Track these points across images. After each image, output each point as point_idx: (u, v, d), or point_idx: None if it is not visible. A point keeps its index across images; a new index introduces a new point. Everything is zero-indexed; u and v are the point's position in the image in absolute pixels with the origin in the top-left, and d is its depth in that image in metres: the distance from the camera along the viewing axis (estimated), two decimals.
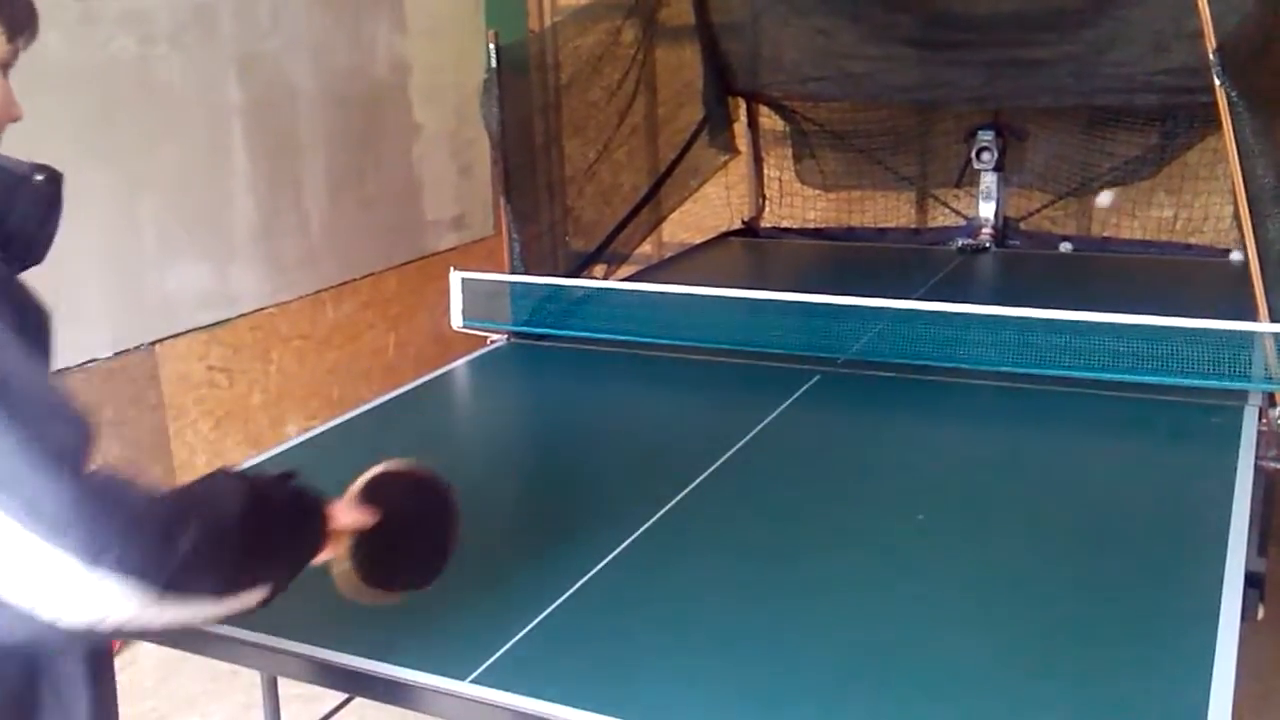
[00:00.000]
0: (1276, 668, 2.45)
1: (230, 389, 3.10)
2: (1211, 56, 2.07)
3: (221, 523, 0.91)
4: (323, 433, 2.18)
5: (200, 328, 2.99)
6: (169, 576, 0.84)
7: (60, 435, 0.83)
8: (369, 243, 3.57)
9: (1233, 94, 2.05)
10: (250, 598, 0.95)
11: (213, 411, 3.05)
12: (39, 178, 0.97)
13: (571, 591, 1.48)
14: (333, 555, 1.11)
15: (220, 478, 0.99)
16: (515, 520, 1.82)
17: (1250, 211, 2.11)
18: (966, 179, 3.63)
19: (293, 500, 1.04)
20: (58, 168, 0.99)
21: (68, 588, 0.80)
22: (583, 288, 2.86)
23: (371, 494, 1.15)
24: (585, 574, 1.52)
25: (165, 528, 0.85)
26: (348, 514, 1.11)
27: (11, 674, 0.95)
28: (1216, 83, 2.07)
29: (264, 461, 2.02)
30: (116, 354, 2.75)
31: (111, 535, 0.81)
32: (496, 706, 1.25)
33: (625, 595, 1.48)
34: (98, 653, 1.04)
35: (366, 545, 1.12)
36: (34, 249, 0.99)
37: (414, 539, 1.21)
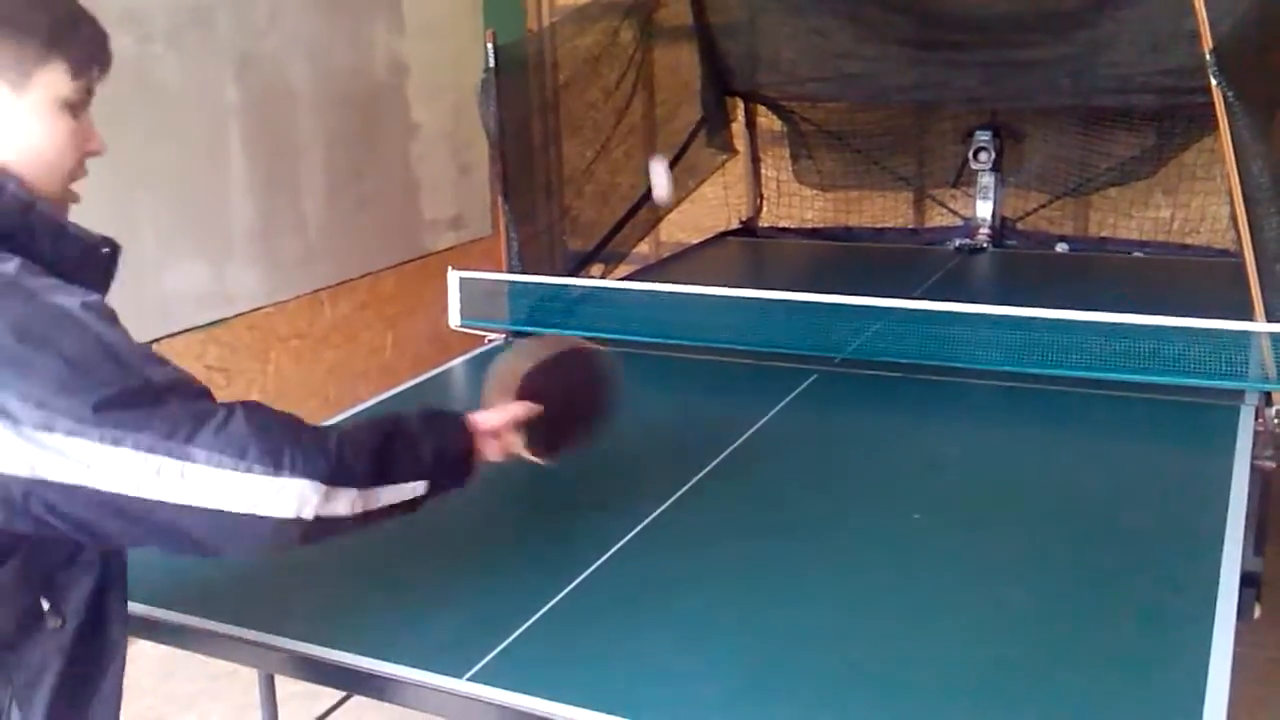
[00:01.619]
0: (1273, 667, 2.46)
1: (228, 388, 3.09)
2: (1208, 57, 2.07)
3: (363, 429, 1.10)
4: None
5: (198, 327, 2.99)
6: (331, 470, 1.02)
7: (201, 386, 1.03)
8: (367, 242, 3.57)
9: (1229, 94, 2.06)
10: (408, 489, 1.12)
11: None
12: (105, 250, 1.08)
13: (568, 590, 1.48)
14: (504, 454, 1.27)
15: (369, 421, 1.14)
16: (512, 518, 1.82)
17: (1247, 212, 2.12)
18: (964, 179, 3.63)
19: (426, 412, 1.19)
20: (118, 243, 1.10)
21: (266, 493, 0.98)
22: (580, 287, 2.86)
23: (530, 380, 1.28)
24: (582, 572, 1.53)
25: (315, 432, 1.04)
26: (495, 417, 1.25)
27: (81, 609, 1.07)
28: (1213, 83, 2.07)
29: None
30: None
31: (281, 445, 0.99)
32: (493, 704, 1.25)
33: (622, 593, 1.48)
34: (80, 684, 1.09)
35: (535, 430, 1.27)
36: None
37: (574, 406, 1.35)
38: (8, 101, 0.98)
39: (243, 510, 0.97)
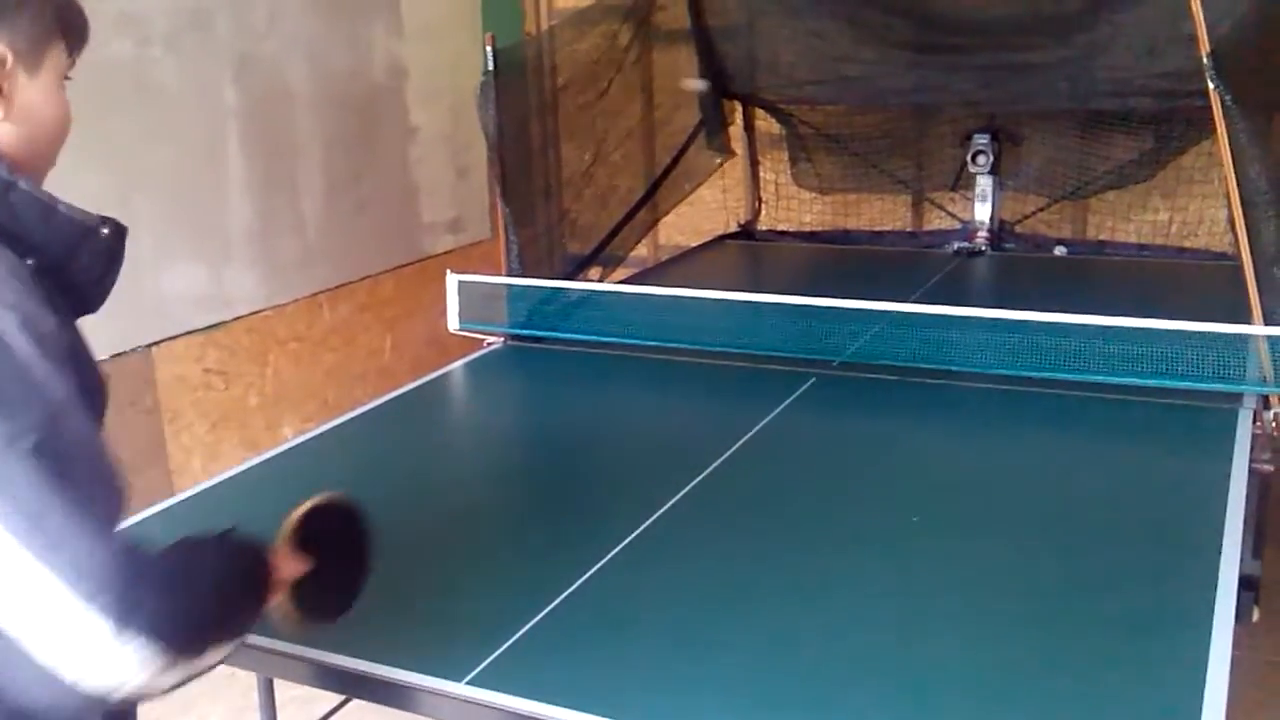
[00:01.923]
0: (1271, 670, 2.46)
1: (226, 391, 3.09)
2: (1205, 60, 2.08)
3: (206, 584, 0.94)
4: (319, 435, 2.18)
5: (196, 330, 2.99)
6: (182, 641, 0.87)
7: (106, 501, 0.87)
8: (365, 245, 3.57)
9: (1226, 98, 2.06)
10: (224, 652, 0.96)
11: (209, 414, 3.04)
12: (105, 230, 0.98)
13: (567, 594, 1.48)
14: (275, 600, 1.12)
15: (191, 543, 0.97)
16: (511, 522, 1.82)
17: (1244, 215, 2.12)
18: (962, 182, 3.63)
19: (248, 555, 1.05)
20: (122, 222, 1.00)
21: (95, 650, 0.82)
22: (579, 290, 2.86)
23: (301, 538, 1.16)
24: (581, 576, 1.52)
25: (184, 594, 0.89)
26: (287, 563, 1.11)
27: None
28: (1210, 86, 2.08)
29: (261, 464, 2.02)
30: (113, 356, 2.74)
31: (144, 600, 0.84)
32: (493, 708, 1.25)
33: (621, 597, 1.48)
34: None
35: (303, 587, 1.14)
36: (91, 299, 1.01)
37: (341, 571, 1.22)
38: (22, 84, 0.97)
39: (62, 661, 0.81)
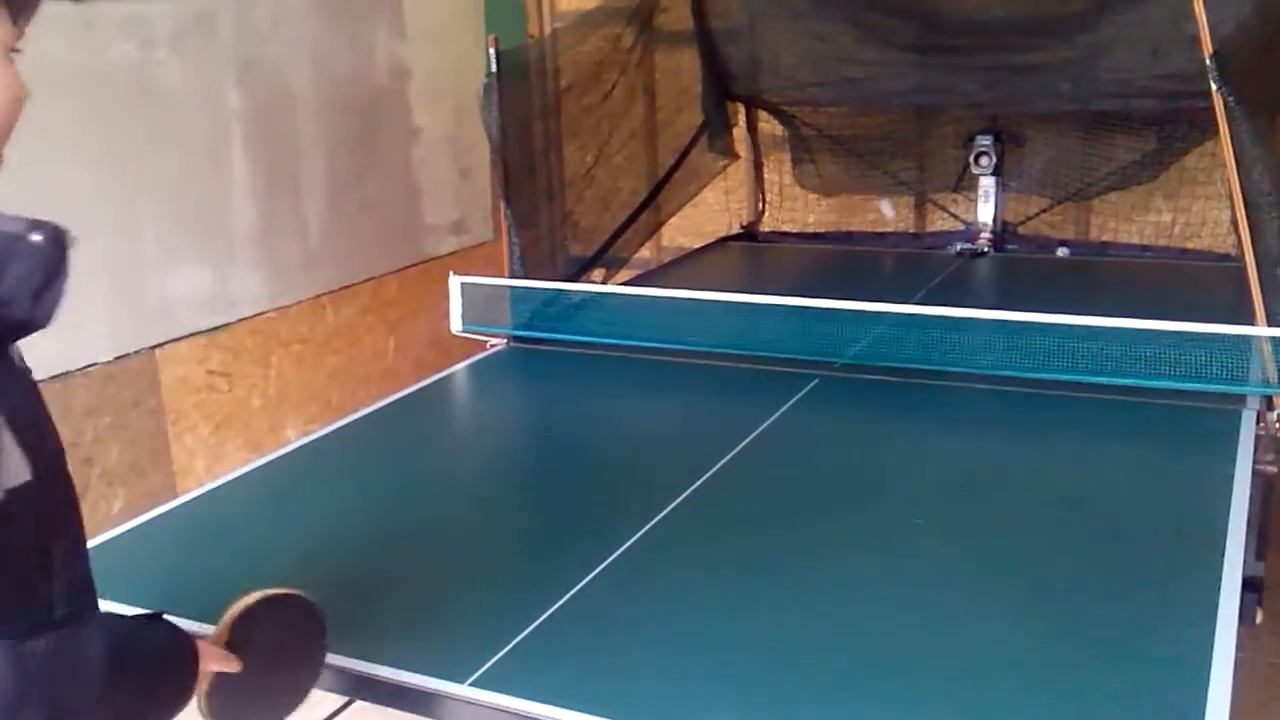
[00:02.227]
0: (1274, 672, 2.45)
1: (230, 393, 3.10)
2: (1209, 62, 2.07)
3: (102, 680, 0.89)
4: (322, 437, 2.19)
5: (200, 332, 2.99)
6: None
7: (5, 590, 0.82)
8: (368, 247, 3.57)
9: (1230, 99, 2.06)
10: None
11: (212, 416, 3.05)
12: (36, 237, 0.84)
13: (570, 595, 1.48)
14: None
15: (81, 639, 0.91)
16: (514, 524, 1.82)
17: (1247, 216, 2.12)
18: (965, 183, 3.63)
19: (163, 649, 1.01)
20: (63, 225, 0.87)
21: None
22: (582, 292, 2.86)
23: (238, 633, 1.12)
24: (584, 578, 1.53)
25: (59, 695, 0.84)
26: (214, 659, 1.07)
27: None
28: (1214, 88, 2.08)
29: (264, 466, 2.02)
30: (116, 358, 2.75)
31: (19, 711, 0.80)
32: (496, 709, 1.25)
33: (624, 599, 1.48)
34: None
35: (225, 687, 1.09)
36: (33, 316, 0.87)
37: (273, 680, 1.17)
38: None
39: None
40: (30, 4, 0.94)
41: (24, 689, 0.83)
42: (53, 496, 0.91)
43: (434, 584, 1.55)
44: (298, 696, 1.21)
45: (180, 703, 1.02)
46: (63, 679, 0.86)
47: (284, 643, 1.18)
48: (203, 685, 1.06)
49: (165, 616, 1.04)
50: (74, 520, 0.95)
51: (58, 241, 0.86)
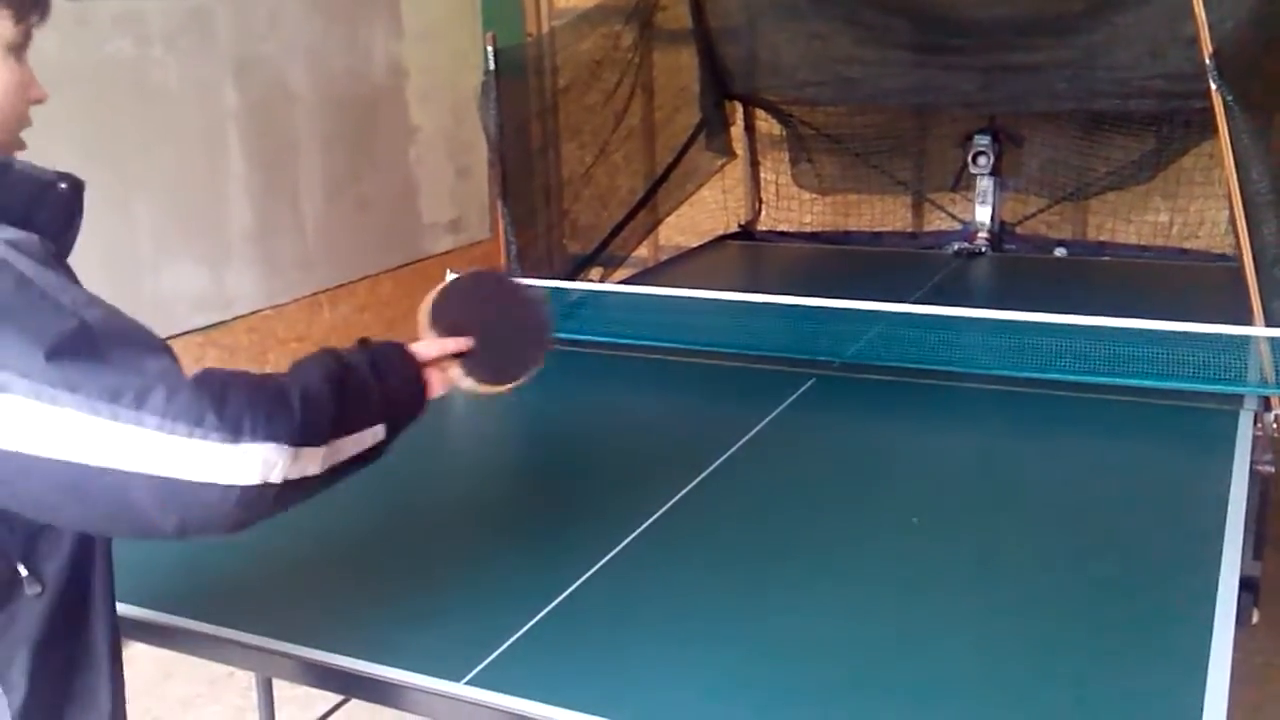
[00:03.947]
0: (1270, 672, 2.46)
1: None
2: (1208, 61, 2.07)
3: (316, 381, 1.01)
4: None
5: (196, 330, 2.99)
6: (296, 431, 0.94)
7: (160, 342, 0.94)
8: (365, 245, 3.57)
9: (1229, 99, 2.06)
10: (370, 435, 1.07)
11: None
12: (63, 185, 1.00)
13: (566, 594, 1.48)
14: (449, 382, 1.21)
15: (304, 358, 1.06)
16: (510, 522, 1.82)
17: (1246, 215, 2.12)
18: (962, 183, 3.64)
19: (370, 351, 1.13)
20: (79, 176, 1.02)
21: (224, 462, 0.90)
22: (579, 291, 2.86)
23: (444, 316, 1.22)
24: (580, 576, 1.52)
25: (275, 393, 0.96)
26: (431, 347, 1.20)
27: (55, 653, 1.01)
28: (1213, 87, 2.07)
29: None
30: None
31: (241, 411, 0.91)
32: (492, 708, 1.25)
33: (620, 597, 1.48)
34: (117, 639, 1.08)
35: (474, 356, 1.21)
36: (58, 252, 1.01)
37: (505, 328, 1.28)
38: None
39: (202, 479, 0.89)
40: (38, 4, 1.00)
41: (282, 380, 0.98)
42: None
43: (429, 582, 1.55)
44: (540, 336, 1.31)
45: (411, 385, 1.16)
46: (302, 372, 1.01)
47: (487, 304, 1.28)
48: (451, 369, 1.20)
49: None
50: None
51: (77, 189, 1.03)
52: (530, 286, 1.35)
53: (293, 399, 0.96)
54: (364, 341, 1.15)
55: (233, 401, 0.91)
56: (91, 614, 1.05)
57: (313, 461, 0.97)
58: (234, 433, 0.90)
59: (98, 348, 0.88)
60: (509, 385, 1.26)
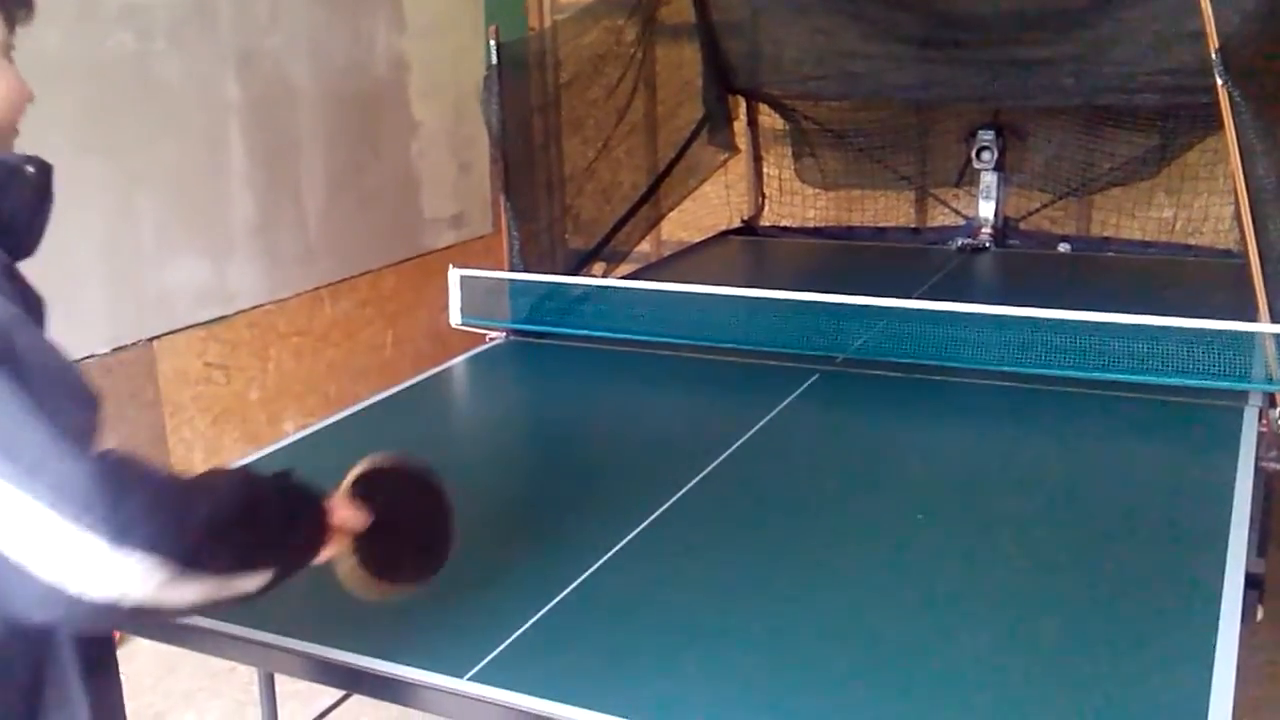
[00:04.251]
0: (1274, 670, 2.45)
1: (228, 386, 3.09)
2: (1214, 56, 2.06)
3: (227, 504, 0.93)
4: (320, 430, 2.18)
5: (198, 324, 2.98)
6: (187, 553, 0.86)
7: (80, 416, 0.86)
8: (367, 240, 3.56)
9: (1235, 94, 2.05)
10: (255, 580, 0.96)
11: (210, 408, 3.04)
12: (30, 169, 0.98)
13: (569, 590, 1.47)
14: (335, 553, 1.12)
15: (220, 471, 1.01)
16: (514, 518, 1.82)
17: (1251, 211, 2.11)
18: (966, 178, 3.62)
19: (291, 491, 1.06)
20: (47, 159, 1.00)
21: (95, 565, 0.81)
22: (582, 286, 2.85)
23: (364, 489, 1.15)
24: (583, 572, 1.52)
25: (181, 505, 0.88)
26: (345, 511, 1.11)
27: (19, 671, 0.96)
28: (1219, 82, 2.06)
29: (262, 458, 2.01)
30: (114, 350, 2.74)
31: (135, 513, 0.83)
32: (494, 704, 1.24)
33: (623, 593, 1.48)
34: (101, 650, 1.04)
35: (368, 541, 1.13)
36: (26, 240, 0.99)
37: (412, 531, 1.21)
38: None
39: (64, 576, 0.80)
40: (22, 4, 1.00)
41: (193, 492, 0.90)
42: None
43: (433, 577, 1.54)
44: (441, 551, 1.25)
45: (310, 542, 1.06)
46: (215, 492, 0.93)
47: (410, 497, 1.21)
48: (345, 541, 1.10)
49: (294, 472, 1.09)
50: None
51: (45, 171, 0.99)
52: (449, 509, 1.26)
53: (196, 518, 0.88)
54: (286, 476, 1.06)
55: (132, 503, 0.82)
56: (55, 638, 0.99)
57: (191, 590, 0.87)
58: (119, 535, 0.81)
59: (11, 387, 0.81)
60: (382, 589, 1.17)
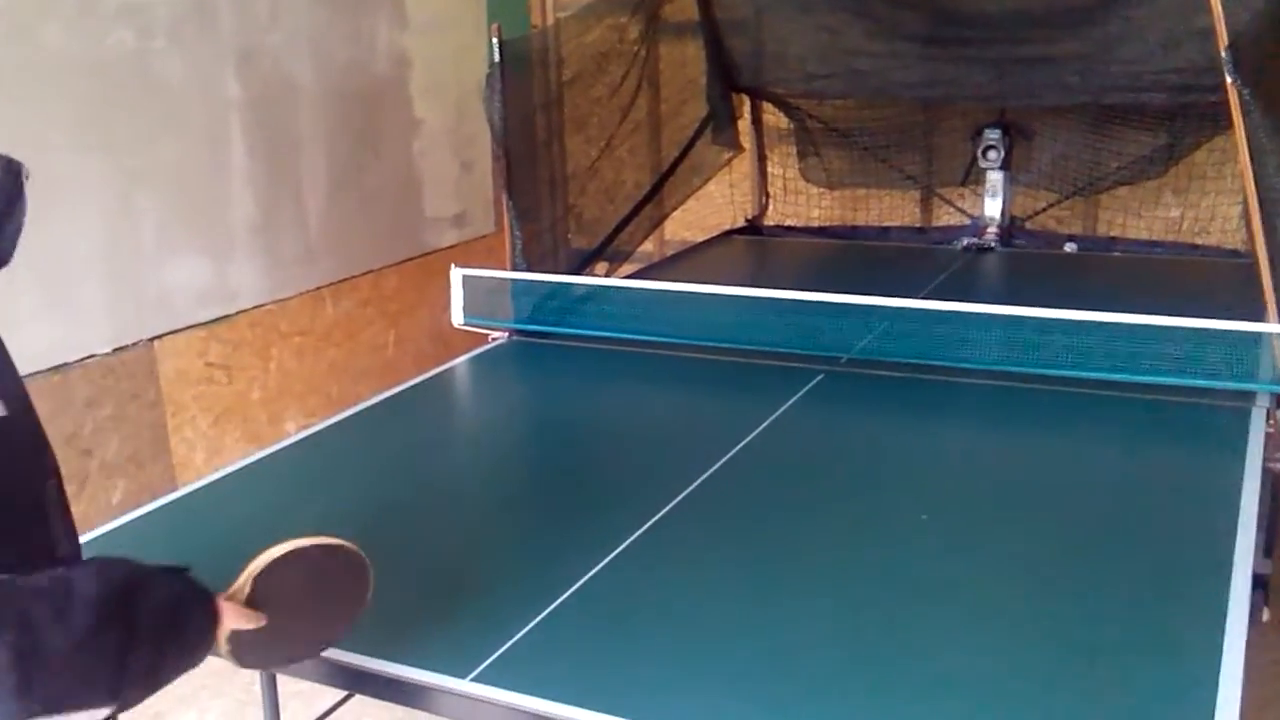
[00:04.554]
0: (1278, 670, 2.43)
1: (229, 385, 3.08)
2: (1224, 54, 2.05)
3: (82, 623, 0.84)
4: (322, 430, 2.17)
5: (199, 324, 2.97)
6: (48, 700, 0.79)
7: None
8: (369, 239, 3.55)
9: (1245, 92, 2.04)
10: (128, 697, 0.88)
11: (211, 408, 3.03)
12: None
13: (572, 590, 1.46)
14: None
15: (73, 576, 0.87)
16: (516, 519, 1.81)
17: (1261, 211, 2.10)
18: (972, 177, 3.61)
19: (174, 601, 0.96)
20: (16, 158, 0.92)
21: None
22: (584, 285, 2.84)
23: (261, 587, 1.07)
24: (586, 573, 1.51)
25: (18, 627, 0.80)
26: (235, 617, 1.03)
27: None
28: (1229, 80, 2.05)
29: (264, 459, 2.00)
30: (115, 350, 2.73)
31: None
32: (496, 705, 1.24)
33: (626, 594, 1.47)
34: None
35: (248, 638, 1.06)
36: None
37: (300, 627, 1.14)
38: None
39: None
40: None
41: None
42: (32, 435, 0.91)
43: (435, 578, 1.53)
44: (332, 636, 1.19)
45: (190, 658, 0.98)
46: (40, 611, 0.83)
47: (313, 592, 1.14)
48: (222, 638, 1.04)
49: (189, 573, 1.01)
50: (56, 466, 0.95)
51: (10, 172, 0.90)
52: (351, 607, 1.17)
53: (29, 645, 0.79)
54: (181, 574, 0.99)
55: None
56: None
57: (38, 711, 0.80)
58: None
59: None
60: (254, 668, 1.13)
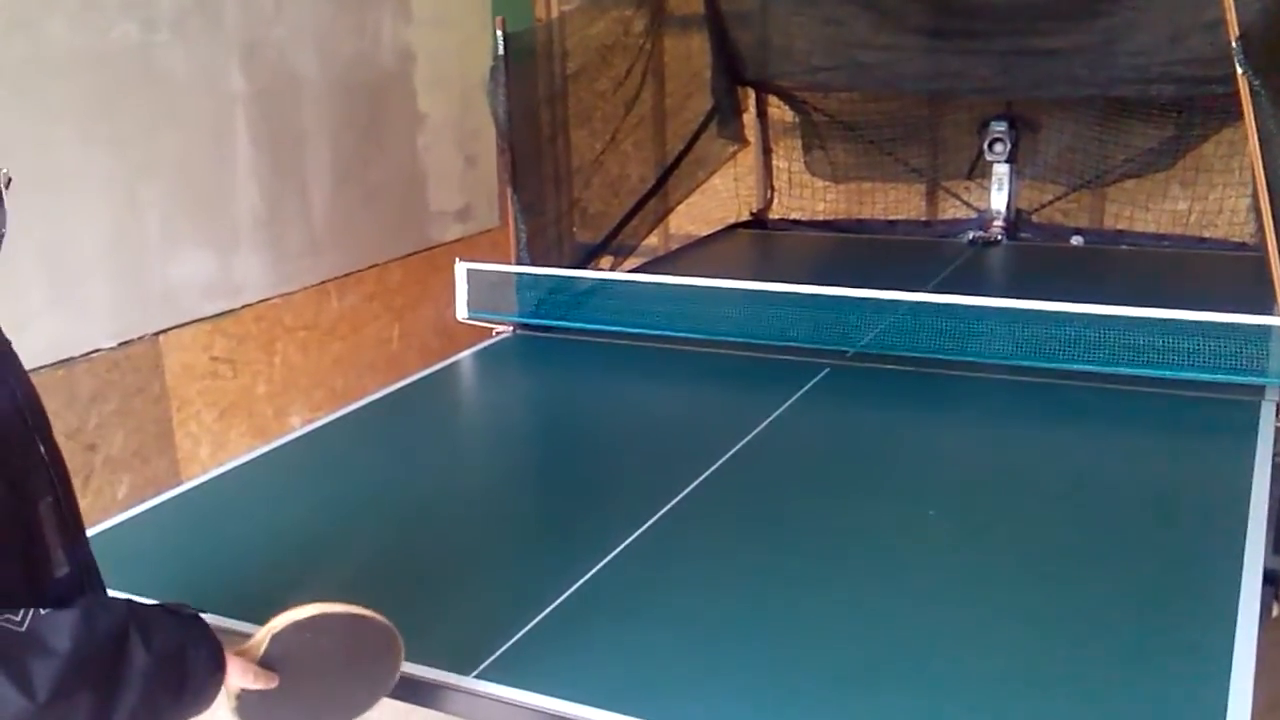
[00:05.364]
0: None
1: (234, 380, 3.08)
2: (1234, 45, 2.03)
3: (97, 673, 0.85)
4: (327, 424, 2.17)
5: (204, 318, 2.97)
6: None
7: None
8: (373, 233, 3.55)
9: (1255, 83, 2.02)
10: None
11: (217, 402, 3.03)
12: None
13: (577, 586, 1.46)
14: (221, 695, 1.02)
15: (46, 626, 0.85)
16: (521, 514, 1.80)
17: (1270, 203, 2.08)
18: (978, 171, 3.59)
19: (171, 651, 0.94)
20: None
21: None
22: (589, 279, 2.83)
23: (279, 647, 1.04)
24: (591, 569, 1.50)
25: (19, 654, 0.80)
26: (245, 674, 1.01)
27: None
28: (1239, 71, 2.03)
29: (269, 452, 2.00)
30: (120, 344, 2.73)
31: None
32: (501, 701, 1.23)
33: (631, 590, 1.46)
34: None
35: (256, 699, 1.02)
36: None
37: (317, 695, 1.09)
38: None
39: None
40: None
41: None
42: (21, 456, 0.90)
43: (439, 573, 1.53)
44: (350, 710, 1.14)
45: (188, 711, 0.96)
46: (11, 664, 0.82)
47: (334, 660, 1.09)
48: (230, 694, 1.01)
49: (199, 617, 0.98)
50: (53, 482, 0.93)
51: None
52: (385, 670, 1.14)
53: (47, 683, 0.80)
54: (190, 620, 0.97)
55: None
56: None
57: None
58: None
59: None
60: None
